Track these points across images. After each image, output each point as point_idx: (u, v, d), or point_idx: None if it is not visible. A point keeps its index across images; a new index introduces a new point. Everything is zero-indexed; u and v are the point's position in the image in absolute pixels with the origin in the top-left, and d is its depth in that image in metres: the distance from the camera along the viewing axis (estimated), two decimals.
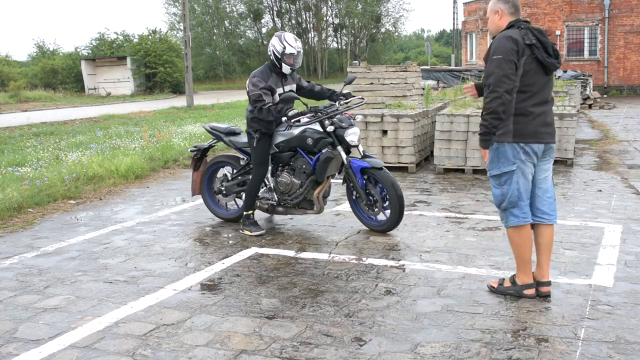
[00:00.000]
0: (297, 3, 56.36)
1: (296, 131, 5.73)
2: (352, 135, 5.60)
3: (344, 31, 59.64)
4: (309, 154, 5.76)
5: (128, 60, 38.20)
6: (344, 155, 5.62)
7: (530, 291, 4.13)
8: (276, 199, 5.98)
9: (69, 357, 3.44)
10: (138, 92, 37.98)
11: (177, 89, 38.18)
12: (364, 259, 5.04)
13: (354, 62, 23.64)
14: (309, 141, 5.66)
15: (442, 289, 4.31)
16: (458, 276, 4.57)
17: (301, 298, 4.21)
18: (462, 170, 8.87)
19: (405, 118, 8.98)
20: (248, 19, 57.75)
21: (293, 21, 58.17)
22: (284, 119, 5.51)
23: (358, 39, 59.50)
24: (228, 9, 55.78)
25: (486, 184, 8.06)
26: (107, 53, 41.73)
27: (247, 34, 58.91)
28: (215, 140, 6.51)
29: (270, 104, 5.57)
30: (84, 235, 6.03)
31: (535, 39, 3.94)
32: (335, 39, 61.69)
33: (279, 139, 5.84)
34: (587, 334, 3.55)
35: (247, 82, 5.76)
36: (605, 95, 25.74)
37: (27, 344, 3.60)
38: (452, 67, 31.46)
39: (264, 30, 58.96)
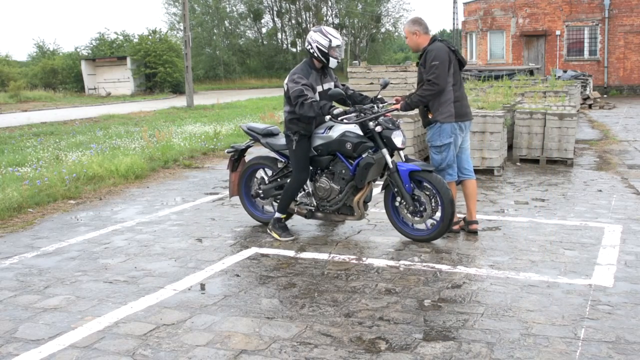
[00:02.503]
0: (297, 3, 56.33)
1: (335, 135, 5.47)
2: (399, 138, 5.34)
3: (344, 31, 59.59)
4: (348, 158, 5.48)
5: (128, 60, 38.18)
6: (389, 159, 5.34)
7: (458, 227, 5.75)
8: (315, 204, 5.73)
9: (69, 357, 3.44)
10: (138, 92, 37.97)
11: (177, 89, 38.15)
12: (364, 259, 5.04)
13: (354, 62, 23.63)
14: (348, 145, 5.39)
15: (443, 289, 4.31)
16: (458, 276, 4.57)
17: (301, 298, 4.21)
18: None
19: (405, 118, 8.98)
20: (248, 19, 57.71)
21: (293, 21, 58.18)
22: (327, 117, 5.24)
23: (358, 39, 59.46)
24: (228, 9, 55.73)
25: (486, 184, 8.06)
26: (107, 53, 41.71)
27: (247, 34, 58.90)
28: (252, 141, 6.27)
29: (312, 99, 5.28)
30: (84, 235, 6.02)
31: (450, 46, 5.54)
32: None
33: (317, 142, 5.58)
34: (587, 334, 3.55)
35: (286, 80, 5.52)
36: (605, 95, 25.75)
37: (27, 344, 3.60)
38: None
39: (264, 30, 59.01)
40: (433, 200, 5.31)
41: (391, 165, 5.35)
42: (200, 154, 11.28)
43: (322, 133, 5.57)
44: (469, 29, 31.42)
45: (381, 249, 5.33)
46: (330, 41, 5.44)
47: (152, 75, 38.59)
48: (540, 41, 28.76)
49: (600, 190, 7.52)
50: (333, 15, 59.00)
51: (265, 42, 58.05)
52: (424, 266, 4.82)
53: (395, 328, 3.69)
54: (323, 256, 5.14)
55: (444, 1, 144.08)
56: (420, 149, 9.53)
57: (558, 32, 28.12)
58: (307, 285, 4.46)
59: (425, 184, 5.34)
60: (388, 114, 5.55)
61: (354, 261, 4.99)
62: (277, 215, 5.76)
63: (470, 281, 4.46)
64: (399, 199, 5.44)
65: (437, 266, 4.81)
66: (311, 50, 5.50)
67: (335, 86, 5.80)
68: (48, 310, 4.11)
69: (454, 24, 45.99)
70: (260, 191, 6.16)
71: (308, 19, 57.38)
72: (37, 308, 4.16)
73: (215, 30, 54.03)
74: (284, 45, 58.68)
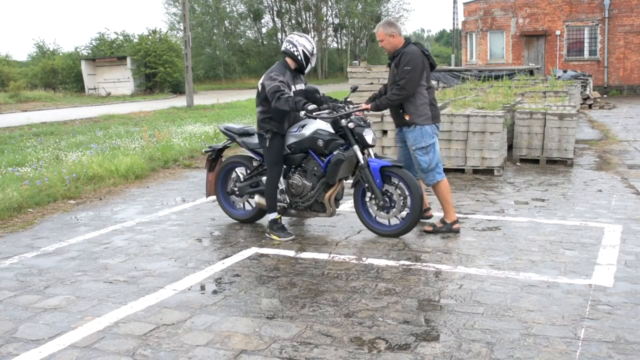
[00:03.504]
0: (297, 3, 56.32)
1: (307, 132, 5.66)
2: (369, 135, 5.56)
3: (344, 31, 59.62)
4: (320, 155, 5.67)
5: (128, 60, 38.16)
6: (360, 155, 5.52)
7: (457, 225, 5.72)
8: (288, 201, 5.88)
9: (69, 357, 3.44)
10: (138, 92, 37.95)
11: (177, 89, 38.13)
12: (364, 259, 5.04)
13: (354, 62, 23.62)
14: (320, 143, 5.58)
15: (442, 289, 4.31)
16: (458, 276, 4.57)
17: (301, 298, 4.21)
18: (462, 170, 8.87)
19: None
20: (248, 19, 57.71)
21: (293, 21, 58.14)
22: (302, 113, 5.42)
23: (358, 39, 59.48)
24: (228, 9, 55.73)
25: (486, 184, 8.06)
26: (107, 53, 41.69)
27: (247, 34, 58.90)
28: (229, 141, 6.42)
29: (288, 95, 5.41)
30: (84, 235, 6.03)
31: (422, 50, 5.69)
32: (335, 39, 61.69)
33: (291, 140, 5.75)
34: (587, 334, 3.55)
35: (261, 80, 5.66)
36: (605, 95, 25.74)
37: (27, 344, 3.60)
38: (452, 67, 31.46)
39: (264, 30, 59.00)
40: (402, 195, 5.49)
41: (362, 161, 5.52)
42: (200, 154, 11.26)
43: (295, 131, 5.76)
44: (469, 29, 31.42)
45: (381, 249, 5.33)
46: (314, 48, 5.74)
47: (152, 75, 38.57)
48: (540, 41, 28.76)
49: (600, 190, 7.52)
50: (333, 15, 59.03)
51: (265, 42, 58.05)
52: (424, 266, 4.82)
53: (395, 328, 3.69)
54: (323, 256, 5.14)
55: (444, 1, 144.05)
56: None
57: (558, 32, 28.12)
58: (307, 285, 4.46)
59: (395, 179, 5.53)
60: (358, 113, 5.80)
61: (354, 261, 4.99)
62: (272, 216, 5.80)
63: (470, 281, 4.46)
64: (369, 194, 5.62)
65: (437, 266, 4.81)
66: (295, 52, 5.67)
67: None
68: (48, 310, 4.11)
69: (454, 24, 45.99)
70: (236, 189, 6.31)
71: (308, 19, 57.38)
72: (37, 308, 4.16)
73: (215, 30, 54.01)
74: None
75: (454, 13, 45.16)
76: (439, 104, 10.87)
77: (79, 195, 7.90)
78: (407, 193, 5.44)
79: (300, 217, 6.08)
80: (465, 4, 32.50)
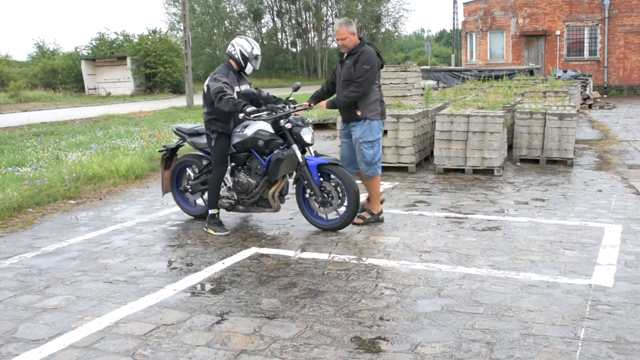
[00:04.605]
0: (297, 3, 56.29)
1: (249, 133, 5.91)
2: (308, 135, 5.81)
3: None
4: (262, 155, 5.92)
5: (128, 60, 38.16)
6: (299, 154, 5.76)
7: (382, 215, 6.19)
8: (235, 198, 6.15)
9: (69, 357, 3.44)
10: (138, 92, 37.94)
11: (177, 89, 38.13)
12: (364, 259, 5.04)
13: None
14: (260, 143, 5.84)
15: (442, 289, 4.31)
16: (458, 276, 4.57)
17: (301, 298, 4.21)
18: (462, 170, 8.87)
19: (405, 118, 8.98)
20: (248, 19, 57.70)
21: (293, 21, 58.14)
22: (241, 115, 5.59)
23: None
24: (228, 9, 55.72)
25: (486, 184, 8.06)
26: (107, 53, 41.67)
27: (247, 34, 58.84)
28: (181, 141, 6.68)
29: (230, 96, 5.66)
30: (84, 235, 6.03)
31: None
32: (335, 39, 61.65)
33: (235, 140, 6.01)
34: (587, 334, 3.55)
35: (206, 82, 5.91)
36: (605, 95, 25.74)
37: (27, 344, 3.60)
38: (452, 67, 31.45)
39: (264, 30, 58.99)
40: (340, 191, 5.75)
41: (301, 160, 5.77)
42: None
43: (239, 132, 6.02)
44: (469, 29, 31.41)
45: (381, 249, 5.33)
46: (253, 49, 5.98)
47: (152, 75, 38.56)
48: (540, 41, 28.77)
49: (600, 190, 7.52)
50: (333, 15, 58.95)
51: (265, 42, 58.01)
52: (424, 266, 4.82)
53: (395, 328, 3.69)
54: (323, 256, 5.14)
55: (444, 1, 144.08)
56: (420, 149, 9.54)
57: (558, 32, 28.12)
58: (307, 285, 4.46)
59: (332, 176, 5.79)
60: (299, 113, 6.04)
61: (354, 261, 4.99)
62: (210, 211, 6.08)
63: (470, 281, 4.46)
64: (309, 191, 5.87)
65: (437, 266, 4.81)
66: (233, 53, 5.97)
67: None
68: (48, 310, 4.11)
69: (454, 24, 45.97)
70: (189, 186, 6.56)
71: (308, 19, 57.35)
72: (37, 308, 4.16)
73: (215, 30, 53.99)
74: (284, 45, 58.66)
75: (454, 13, 45.15)
76: (439, 104, 10.92)
77: (79, 195, 7.90)
78: (343, 189, 5.70)
79: (248, 213, 6.32)
80: (465, 4, 32.50)
